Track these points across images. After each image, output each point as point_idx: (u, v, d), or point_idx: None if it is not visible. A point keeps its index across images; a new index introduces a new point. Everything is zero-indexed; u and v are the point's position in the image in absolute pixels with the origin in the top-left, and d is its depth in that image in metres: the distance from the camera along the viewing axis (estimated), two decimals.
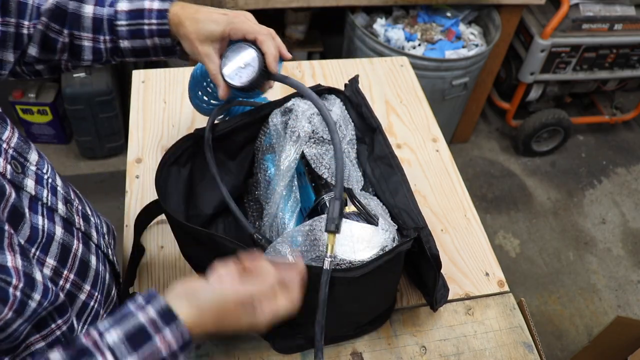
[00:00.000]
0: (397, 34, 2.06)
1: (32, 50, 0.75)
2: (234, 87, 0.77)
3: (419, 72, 1.63)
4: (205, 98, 0.95)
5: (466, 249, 1.01)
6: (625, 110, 2.82)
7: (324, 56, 2.48)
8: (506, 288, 0.96)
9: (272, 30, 0.76)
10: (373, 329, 0.88)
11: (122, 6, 0.75)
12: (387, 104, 1.27)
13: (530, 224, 2.44)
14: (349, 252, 0.71)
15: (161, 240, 0.96)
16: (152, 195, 1.03)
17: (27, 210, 0.58)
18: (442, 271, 0.83)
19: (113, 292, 0.78)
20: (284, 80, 0.78)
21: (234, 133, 0.89)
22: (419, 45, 2.07)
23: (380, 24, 2.12)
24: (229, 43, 0.78)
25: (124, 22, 0.75)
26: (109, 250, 0.80)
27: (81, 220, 0.71)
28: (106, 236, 0.81)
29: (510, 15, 2.13)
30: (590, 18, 2.21)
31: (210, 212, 0.91)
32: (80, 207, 0.73)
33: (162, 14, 0.75)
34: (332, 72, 1.34)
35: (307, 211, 0.84)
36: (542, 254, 2.33)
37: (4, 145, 0.59)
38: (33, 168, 0.62)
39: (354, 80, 0.94)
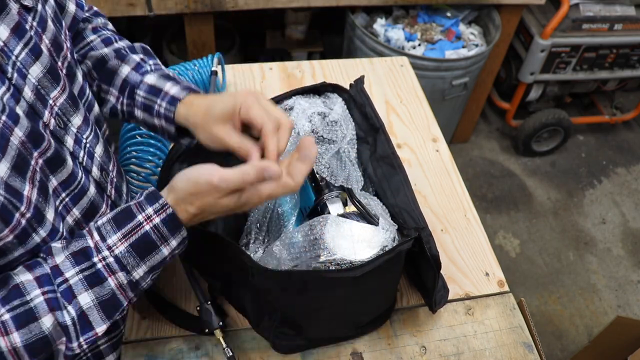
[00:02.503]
0: (397, 34, 2.06)
1: None
2: None
3: (419, 72, 1.63)
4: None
5: (466, 249, 1.01)
6: (625, 110, 2.82)
7: (324, 56, 2.48)
8: (506, 288, 0.96)
9: (283, 121, 0.66)
10: (373, 329, 0.88)
11: (149, 79, 0.78)
12: (387, 104, 1.27)
13: (530, 224, 2.44)
14: (349, 252, 0.71)
15: None
16: None
17: (69, 160, 0.65)
18: (442, 271, 0.83)
19: None
20: None
21: None
22: (419, 45, 2.07)
23: (380, 24, 2.12)
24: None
25: (141, 94, 0.78)
26: None
27: (114, 190, 0.76)
28: None
29: (510, 15, 2.13)
30: (590, 18, 2.21)
31: None
32: (116, 180, 0.77)
33: (173, 101, 0.75)
34: (332, 72, 1.34)
35: (307, 211, 0.84)
36: (542, 254, 2.33)
37: (50, 102, 0.64)
38: (74, 129, 0.68)
39: (360, 81, 0.94)
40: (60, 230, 0.63)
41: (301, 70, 1.33)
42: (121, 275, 0.60)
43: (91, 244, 0.59)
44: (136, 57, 0.81)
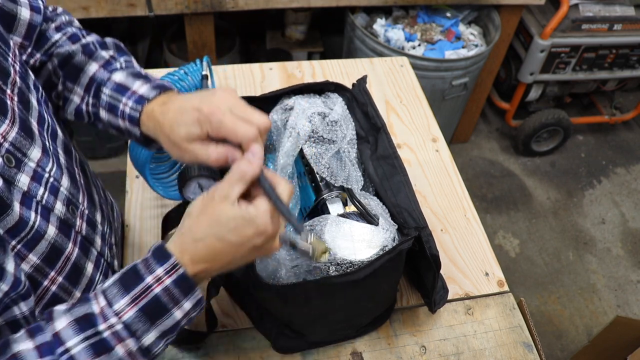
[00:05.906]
0: (397, 34, 2.06)
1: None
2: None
3: (419, 72, 1.63)
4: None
5: (466, 249, 1.01)
6: (625, 110, 2.82)
7: (324, 56, 2.48)
8: (506, 288, 0.97)
9: (261, 127, 0.59)
10: (373, 329, 0.89)
11: (116, 77, 0.71)
12: (387, 104, 1.27)
13: (530, 224, 2.44)
14: (349, 252, 0.71)
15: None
16: (152, 194, 1.03)
17: (16, 203, 0.58)
18: (442, 271, 0.84)
19: None
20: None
21: None
22: (419, 45, 2.07)
23: (380, 24, 2.13)
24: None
25: (107, 92, 0.71)
26: (115, 261, 0.78)
27: (84, 224, 0.70)
28: (114, 247, 0.79)
29: (510, 15, 2.13)
30: (590, 18, 2.21)
31: None
32: (87, 212, 0.72)
33: (141, 100, 0.68)
34: (332, 72, 1.34)
35: (307, 211, 0.85)
36: (542, 254, 2.33)
37: None
38: (32, 165, 0.62)
39: (362, 80, 0.95)
40: (21, 279, 0.57)
41: (301, 70, 1.33)
42: (130, 342, 0.55)
43: (96, 310, 0.55)
44: (105, 54, 0.74)
